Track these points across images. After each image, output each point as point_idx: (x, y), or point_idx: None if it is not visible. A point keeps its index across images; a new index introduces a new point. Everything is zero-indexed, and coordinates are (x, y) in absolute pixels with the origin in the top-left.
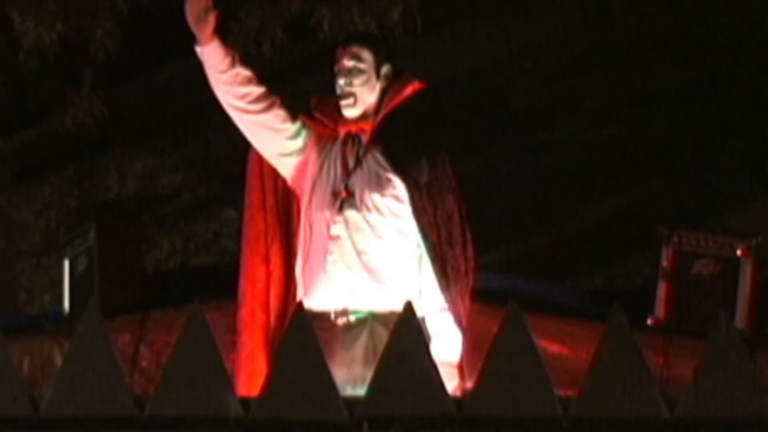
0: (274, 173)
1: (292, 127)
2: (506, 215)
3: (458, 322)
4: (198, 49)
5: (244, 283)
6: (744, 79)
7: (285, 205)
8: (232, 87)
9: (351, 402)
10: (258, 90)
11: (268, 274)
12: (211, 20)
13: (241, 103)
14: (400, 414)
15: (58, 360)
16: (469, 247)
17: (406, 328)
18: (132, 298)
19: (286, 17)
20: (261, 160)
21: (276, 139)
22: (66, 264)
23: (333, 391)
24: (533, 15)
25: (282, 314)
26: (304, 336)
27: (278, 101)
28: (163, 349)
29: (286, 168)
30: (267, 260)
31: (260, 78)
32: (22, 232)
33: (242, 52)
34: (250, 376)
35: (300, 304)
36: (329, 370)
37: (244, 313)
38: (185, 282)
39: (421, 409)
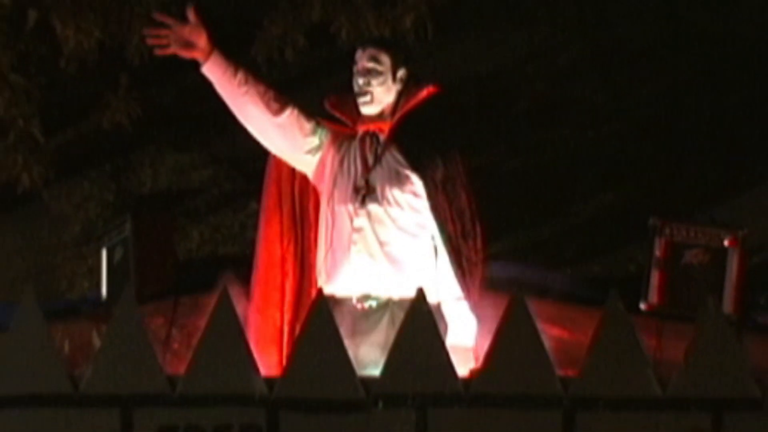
0: (291, 178)
1: (308, 125)
2: (511, 208)
3: (472, 309)
4: (204, 69)
5: (256, 281)
6: (730, 82)
7: (301, 205)
8: (248, 87)
9: (367, 381)
10: (271, 90)
11: (283, 275)
12: (200, 37)
13: (261, 104)
14: (412, 393)
15: (97, 342)
16: (479, 240)
17: (418, 313)
18: (164, 285)
19: (307, 25)
20: (278, 167)
21: (295, 139)
22: (103, 253)
23: (350, 371)
24: (535, 23)
25: (296, 308)
26: (323, 320)
27: (292, 101)
28: (193, 332)
29: (307, 166)
30: (283, 261)
31: (268, 83)
32: (63, 223)
33: (266, 56)
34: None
35: (320, 291)
36: (347, 352)
37: (252, 308)
38: (214, 270)
39: (432, 388)
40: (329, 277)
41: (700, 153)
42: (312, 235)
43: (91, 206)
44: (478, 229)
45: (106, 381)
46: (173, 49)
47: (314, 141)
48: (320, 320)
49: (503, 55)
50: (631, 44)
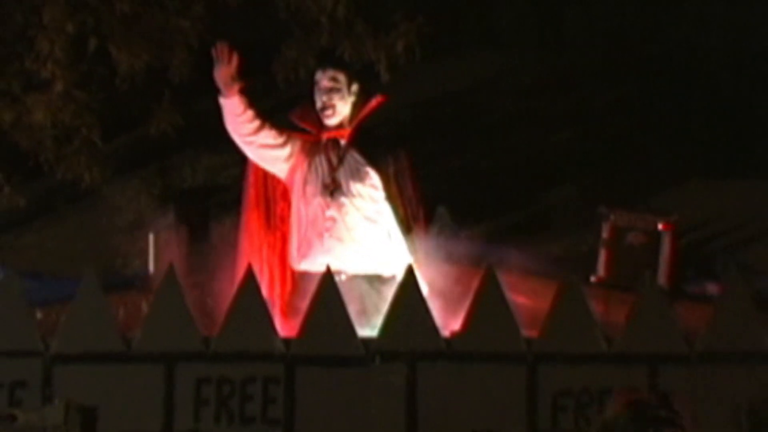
0: (264, 182)
1: (280, 139)
2: (486, 200)
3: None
4: (222, 100)
5: (241, 266)
6: (663, 95)
7: (272, 204)
8: (245, 124)
9: (366, 341)
10: (259, 121)
11: (262, 261)
12: (237, 85)
13: (249, 131)
14: (404, 350)
15: (145, 310)
16: (422, 221)
17: (409, 285)
18: (201, 263)
19: (317, 49)
20: (255, 173)
21: (271, 151)
22: (151, 237)
23: (353, 332)
24: (503, 47)
25: (273, 283)
26: (331, 292)
27: (269, 124)
28: (224, 301)
29: (281, 171)
30: (261, 250)
31: (259, 112)
32: (118, 213)
33: (283, 75)
34: None
35: (328, 268)
36: (350, 318)
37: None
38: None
39: (420, 346)
40: (304, 257)
41: (639, 153)
42: (282, 227)
43: (141, 199)
44: (421, 214)
45: (153, 341)
46: (222, 69)
47: (286, 152)
48: (328, 291)
49: (478, 73)
50: (583, 63)
